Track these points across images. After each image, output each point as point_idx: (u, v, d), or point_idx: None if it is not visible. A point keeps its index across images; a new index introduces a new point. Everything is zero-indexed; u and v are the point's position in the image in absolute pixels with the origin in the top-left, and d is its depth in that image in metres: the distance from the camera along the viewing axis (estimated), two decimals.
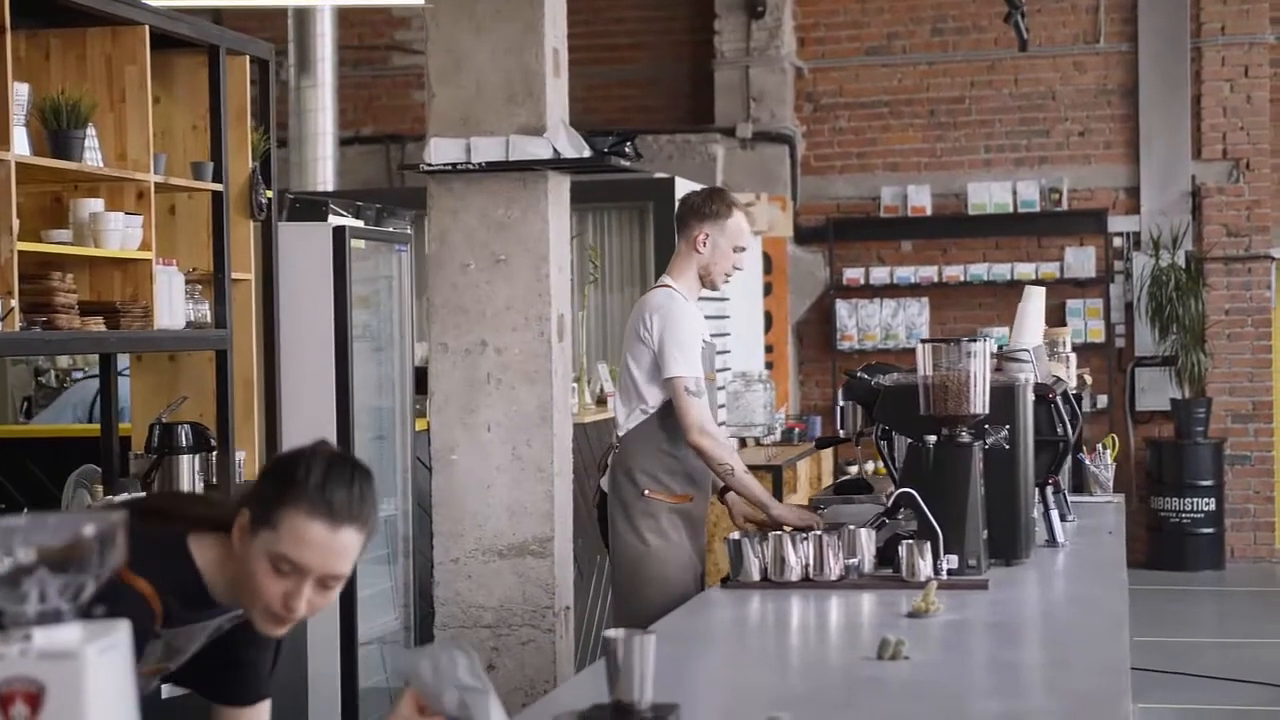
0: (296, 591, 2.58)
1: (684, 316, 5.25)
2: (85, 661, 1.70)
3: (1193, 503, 12.41)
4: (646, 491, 5.25)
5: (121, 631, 1.77)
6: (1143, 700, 8.06)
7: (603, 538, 5.51)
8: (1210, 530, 12.46)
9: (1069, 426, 5.09)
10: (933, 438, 4.43)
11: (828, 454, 11.68)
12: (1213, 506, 12.44)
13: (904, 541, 4.28)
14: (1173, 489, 12.46)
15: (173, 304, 5.39)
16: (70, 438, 6.57)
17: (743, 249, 5.42)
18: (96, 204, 5.17)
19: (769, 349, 12.58)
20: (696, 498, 5.33)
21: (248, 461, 5.93)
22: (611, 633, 2.71)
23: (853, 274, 13.13)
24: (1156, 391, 12.77)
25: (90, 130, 5.06)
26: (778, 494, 9.48)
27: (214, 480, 5.67)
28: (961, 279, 12.94)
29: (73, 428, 7.09)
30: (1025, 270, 12.75)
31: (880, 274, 13.08)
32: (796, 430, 11.40)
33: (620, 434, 5.32)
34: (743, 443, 10.71)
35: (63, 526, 1.74)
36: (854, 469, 12.06)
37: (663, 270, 10.09)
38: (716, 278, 5.40)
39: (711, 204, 5.39)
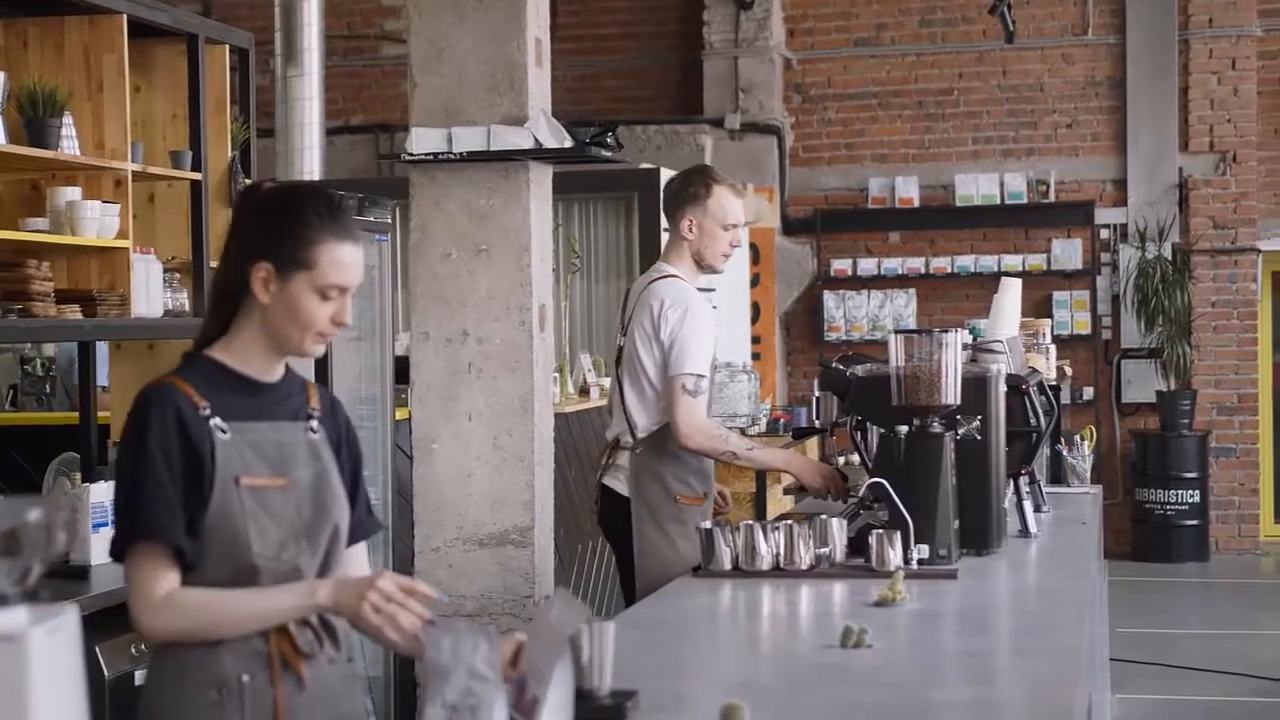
0: (341, 308, 2.89)
1: (701, 312, 5.11)
2: (30, 644, 1.72)
3: (1178, 495, 12.45)
4: (679, 497, 5.15)
5: (68, 615, 1.79)
6: (1124, 691, 8.09)
7: (612, 539, 5.35)
8: (1195, 522, 12.50)
9: (1042, 417, 5.10)
10: (904, 428, 4.44)
11: (814, 444, 11.70)
12: (1197, 498, 12.48)
13: (874, 531, 4.30)
14: (1158, 481, 12.49)
15: (150, 292, 5.40)
16: (52, 425, 6.59)
17: (734, 225, 5.23)
18: (74, 192, 5.18)
19: (756, 340, 12.60)
20: (711, 494, 5.30)
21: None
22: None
23: (840, 265, 13.15)
24: (1142, 383, 12.80)
25: (67, 119, 5.06)
26: (761, 484, 9.48)
27: None
28: (949, 270, 12.97)
29: (54, 415, 7.10)
30: (1012, 262, 12.77)
31: (868, 265, 13.10)
32: (783, 421, 11.41)
33: (639, 434, 5.17)
34: None
35: (7, 512, 1.76)
36: (841, 459, 12.07)
37: (648, 259, 10.14)
38: (714, 261, 5.25)
39: (689, 186, 5.24)
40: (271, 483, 2.87)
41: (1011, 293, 5.72)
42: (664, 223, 10.11)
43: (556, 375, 7.62)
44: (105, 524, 4.91)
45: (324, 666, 2.89)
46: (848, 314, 13.14)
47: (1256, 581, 12.14)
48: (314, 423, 2.98)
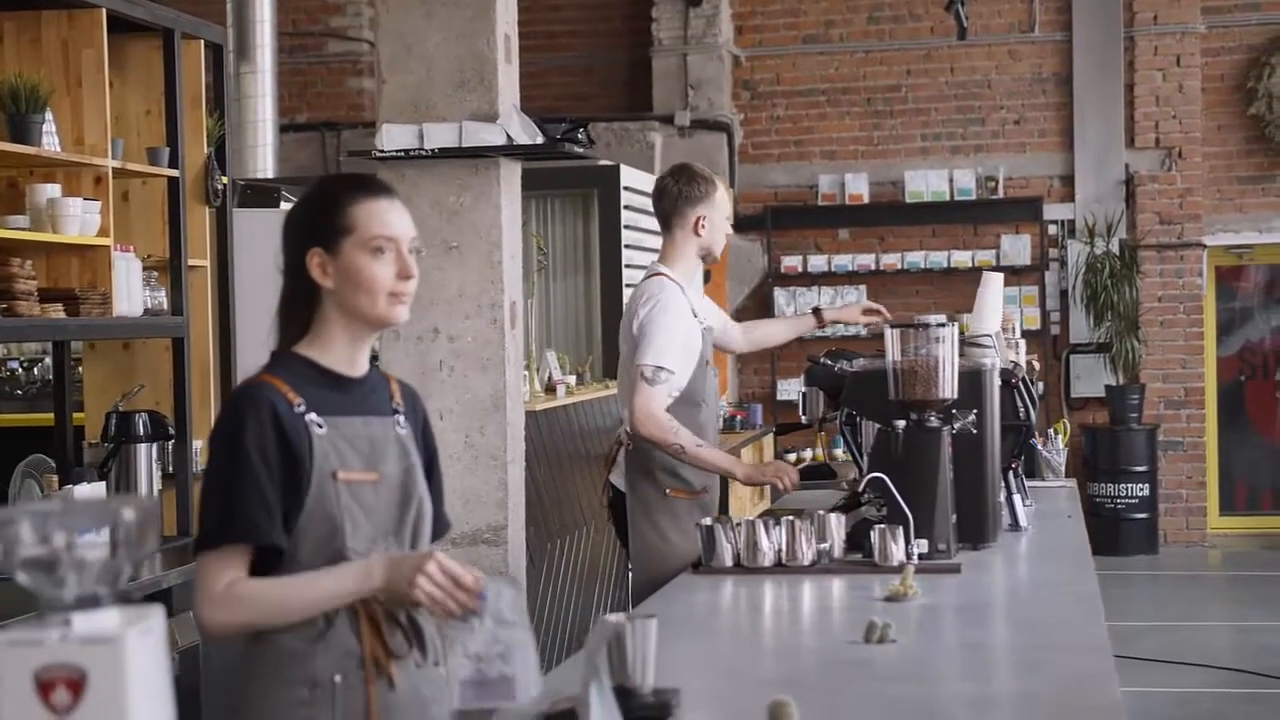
0: (401, 261, 2.88)
1: (671, 305, 5.16)
2: (126, 646, 1.68)
3: (1127, 488, 12.54)
4: (669, 491, 5.17)
5: (157, 615, 1.76)
6: None
7: (619, 534, 5.38)
8: (1144, 515, 12.60)
9: (1032, 410, 5.12)
10: (902, 422, 4.44)
11: (768, 441, 11.73)
12: (1146, 492, 12.58)
13: (876, 526, 4.30)
14: (1107, 475, 12.58)
15: (131, 291, 5.32)
16: (20, 427, 6.49)
17: (729, 215, 5.40)
18: (54, 189, 5.09)
19: None
20: (710, 488, 5.30)
21: (205, 450, 5.86)
22: (614, 617, 2.71)
23: (790, 262, 13.17)
24: (1091, 378, 12.90)
25: (48, 115, 4.98)
26: (722, 482, 9.45)
27: (171, 469, 5.61)
28: (899, 267, 13.01)
29: (24, 416, 7.00)
30: (962, 258, 12.83)
31: (818, 262, 13.13)
32: (738, 418, 11.44)
33: (630, 431, 5.18)
34: None
35: (100, 511, 1.72)
36: (793, 456, 12.11)
37: (609, 255, 10.10)
38: (717, 251, 5.35)
39: (696, 185, 5.29)
40: (364, 477, 2.87)
41: (994, 287, 5.76)
42: (623, 221, 10.10)
43: (525, 373, 7.58)
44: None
45: (411, 669, 2.88)
46: (799, 310, 13.14)
47: (1205, 573, 12.26)
48: (401, 417, 2.98)
